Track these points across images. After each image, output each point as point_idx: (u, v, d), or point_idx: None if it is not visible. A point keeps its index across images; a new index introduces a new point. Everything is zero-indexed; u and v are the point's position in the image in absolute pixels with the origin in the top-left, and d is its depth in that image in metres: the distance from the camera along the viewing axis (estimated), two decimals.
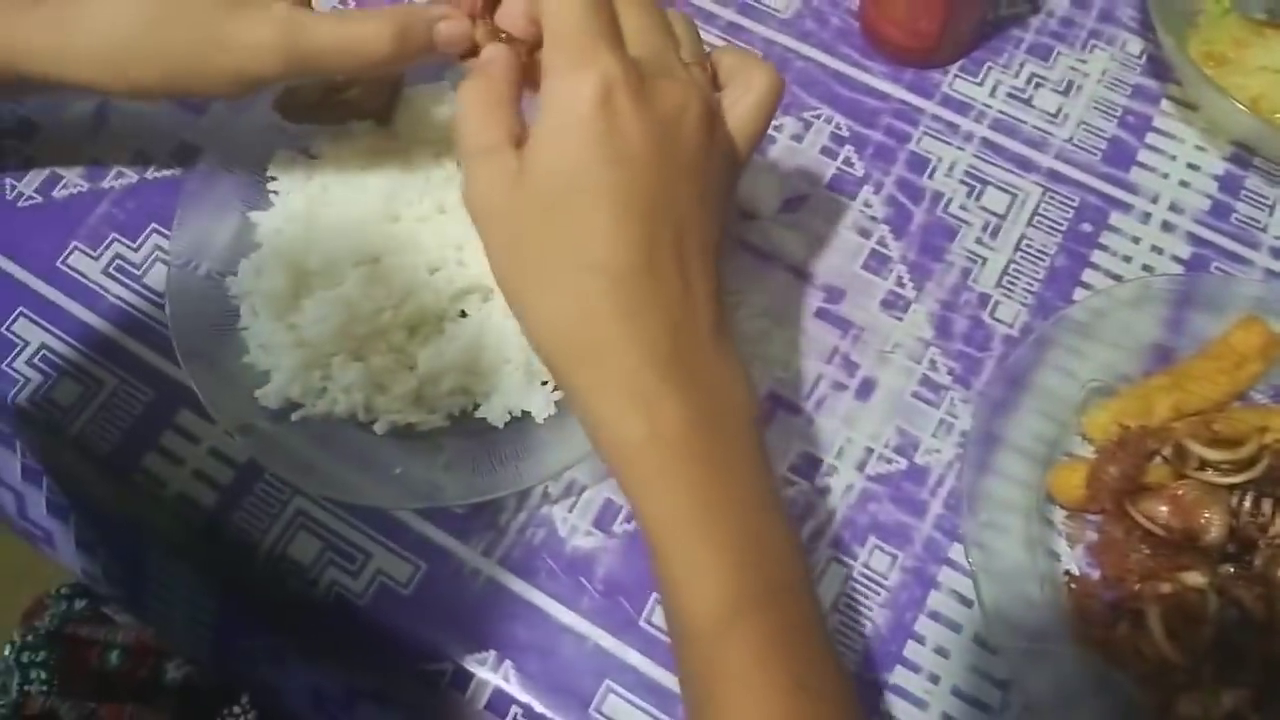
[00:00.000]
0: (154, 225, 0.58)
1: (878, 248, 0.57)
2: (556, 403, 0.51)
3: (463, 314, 0.53)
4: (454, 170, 0.54)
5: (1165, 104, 0.61)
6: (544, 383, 0.52)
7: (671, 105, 0.37)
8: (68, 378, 0.54)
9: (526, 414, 0.51)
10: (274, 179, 0.56)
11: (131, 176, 0.59)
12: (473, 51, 0.44)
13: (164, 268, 0.56)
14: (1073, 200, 0.59)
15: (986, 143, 0.60)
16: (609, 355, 0.37)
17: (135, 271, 0.57)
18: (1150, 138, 0.60)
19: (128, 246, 0.57)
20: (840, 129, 0.60)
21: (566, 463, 0.49)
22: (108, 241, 0.57)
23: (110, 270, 0.57)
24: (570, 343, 0.38)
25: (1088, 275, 0.57)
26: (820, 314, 0.56)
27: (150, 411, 0.53)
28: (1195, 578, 0.46)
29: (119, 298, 0.56)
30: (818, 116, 0.61)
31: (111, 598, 0.72)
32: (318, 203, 0.54)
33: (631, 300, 0.37)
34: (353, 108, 0.55)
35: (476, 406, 0.52)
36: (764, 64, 0.42)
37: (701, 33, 0.63)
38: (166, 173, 0.59)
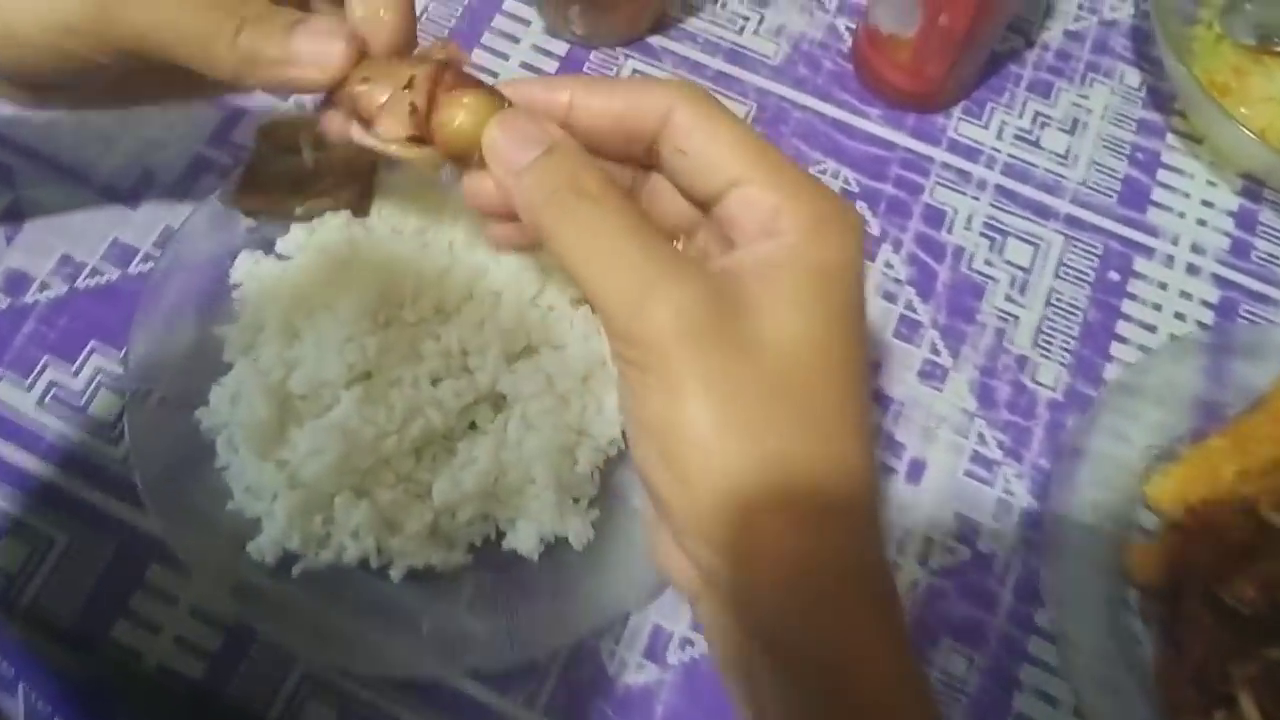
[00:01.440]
0: (93, 343, 0.50)
1: (906, 312, 0.54)
2: (595, 524, 0.46)
3: (472, 425, 0.47)
4: (448, 263, 0.48)
5: (1170, 138, 0.59)
6: (576, 500, 0.46)
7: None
8: (10, 538, 0.46)
9: (561, 540, 0.46)
10: (237, 286, 0.48)
11: (59, 287, 0.51)
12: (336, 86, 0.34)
13: (111, 395, 0.49)
14: (1095, 247, 0.56)
15: (1001, 190, 0.57)
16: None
17: (77, 402, 0.49)
18: (1162, 174, 0.58)
19: (64, 371, 0.49)
20: (850, 184, 0.56)
21: (621, 604, 0.44)
22: (39, 367, 0.49)
23: (47, 402, 0.48)
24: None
25: (1121, 328, 0.54)
26: None
27: (114, 570, 0.46)
28: None
29: (61, 435, 0.48)
30: (823, 171, 0.57)
31: None
32: (293, 313, 0.47)
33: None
34: (324, 199, 0.48)
35: (502, 535, 0.46)
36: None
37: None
38: (101, 279, 0.51)
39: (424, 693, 0.44)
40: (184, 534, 0.44)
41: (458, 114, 0.31)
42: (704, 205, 0.31)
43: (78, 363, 0.49)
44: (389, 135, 0.32)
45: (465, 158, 0.32)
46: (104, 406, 0.48)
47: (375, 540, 0.44)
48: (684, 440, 0.27)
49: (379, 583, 0.44)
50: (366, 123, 0.33)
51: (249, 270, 0.48)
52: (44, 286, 0.51)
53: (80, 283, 0.51)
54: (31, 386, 0.49)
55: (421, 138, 0.32)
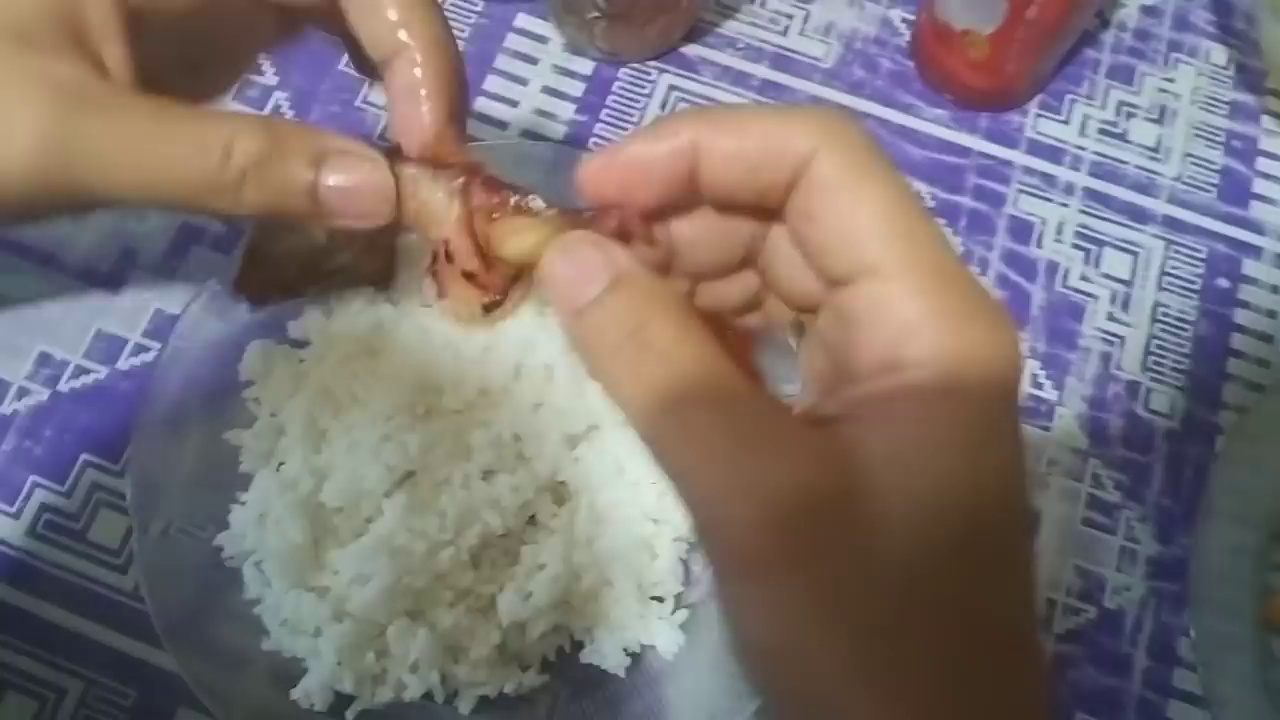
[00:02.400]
0: (85, 457, 0.43)
1: None
2: (684, 626, 0.40)
3: (532, 521, 0.41)
4: (489, 338, 0.42)
5: (1266, 120, 0.53)
6: (659, 599, 0.40)
7: None
8: (13, 691, 0.40)
9: (648, 648, 0.40)
10: (249, 383, 0.42)
11: (40, 392, 0.44)
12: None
13: (113, 514, 0.42)
14: (1199, 251, 0.50)
15: (1091, 193, 0.51)
16: None
17: (74, 525, 0.42)
18: (1261, 163, 0.52)
19: (56, 492, 0.43)
20: (924, 198, 0.50)
21: (724, 716, 0.38)
22: (27, 489, 0.43)
23: (40, 529, 0.42)
24: None
25: (1236, 341, 0.49)
26: None
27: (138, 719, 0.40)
28: None
29: (60, 566, 0.42)
30: None
31: None
32: (318, 411, 0.41)
33: None
34: (345, 275, 0.42)
35: (579, 646, 0.40)
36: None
37: (734, 97, 0.52)
38: (87, 379, 0.45)
39: None
40: (214, 680, 0.38)
41: (512, 247, 0.25)
42: (832, 282, 0.25)
43: (69, 481, 0.43)
44: (466, 317, 0.26)
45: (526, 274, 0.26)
46: (106, 530, 0.42)
47: (439, 671, 0.38)
48: (796, 677, 0.20)
49: (448, 716, 0.39)
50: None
51: (261, 363, 0.42)
52: (22, 393, 0.44)
53: (63, 385, 0.44)
54: (20, 513, 0.42)
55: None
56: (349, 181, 0.26)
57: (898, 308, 0.21)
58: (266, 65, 0.50)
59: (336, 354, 0.41)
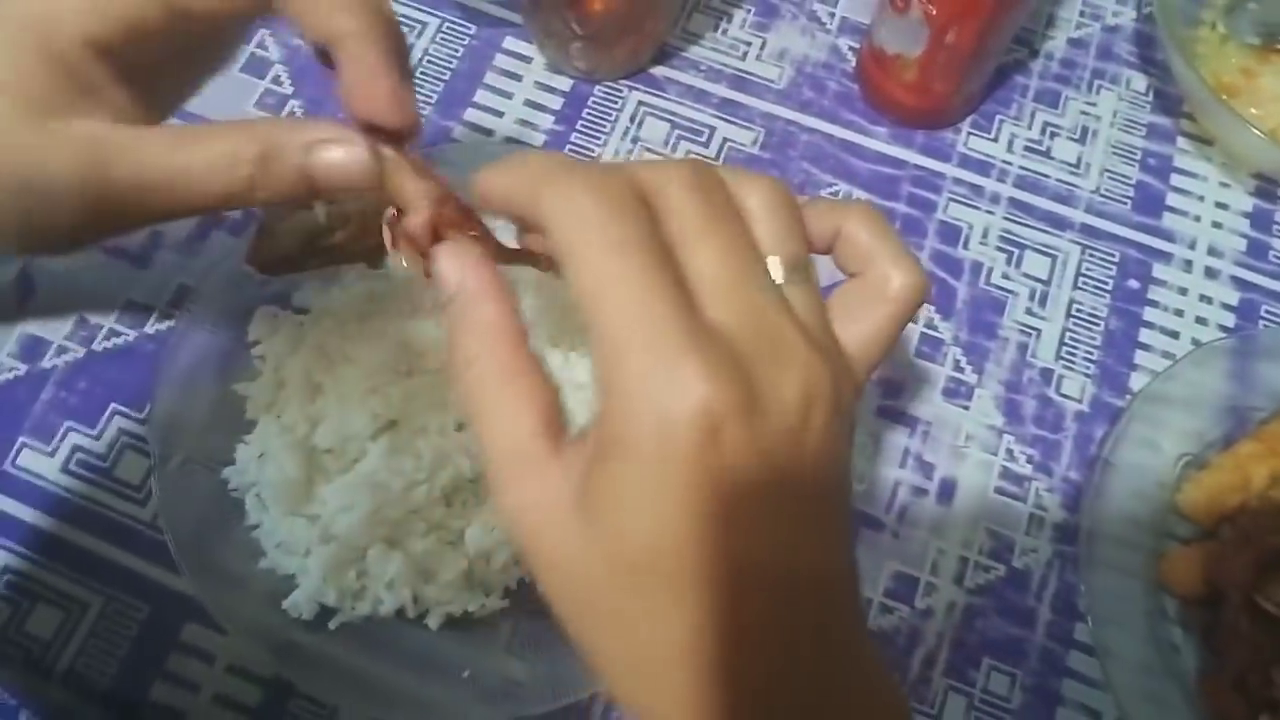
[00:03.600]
0: (114, 405, 0.49)
1: (928, 331, 0.53)
2: None
3: None
4: None
5: (1181, 141, 0.59)
6: None
7: (792, 413, 0.24)
8: (43, 604, 0.46)
9: None
10: (256, 344, 0.48)
11: (76, 350, 0.51)
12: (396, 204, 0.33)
13: (135, 455, 0.48)
14: (1113, 256, 0.56)
15: (1015, 203, 0.57)
16: None
17: (101, 464, 0.48)
18: (1175, 179, 0.58)
19: (87, 435, 0.49)
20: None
21: None
22: (62, 432, 0.49)
23: (71, 467, 0.48)
24: None
25: (1144, 335, 0.54)
26: (883, 412, 0.51)
27: (149, 631, 0.46)
28: None
29: (87, 499, 0.48)
30: (836, 193, 0.56)
31: None
32: (315, 368, 0.47)
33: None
34: (341, 252, 0.48)
35: None
36: (908, 259, 0.29)
37: (695, 112, 0.59)
38: (118, 340, 0.51)
39: None
40: (218, 594, 0.43)
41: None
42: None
43: (99, 426, 0.49)
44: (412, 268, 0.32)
45: None
46: (129, 468, 0.48)
47: (411, 590, 0.44)
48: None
49: (417, 632, 0.44)
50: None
51: (267, 326, 0.48)
52: (61, 351, 0.50)
53: (97, 344, 0.51)
54: (54, 452, 0.48)
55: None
56: (335, 160, 0.32)
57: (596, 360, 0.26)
58: (284, 75, 0.57)
59: (332, 319, 0.48)
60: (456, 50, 0.59)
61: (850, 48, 0.60)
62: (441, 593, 0.44)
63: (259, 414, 0.47)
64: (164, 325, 0.51)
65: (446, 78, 0.58)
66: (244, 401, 0.47)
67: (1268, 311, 0.55)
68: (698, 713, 0.25)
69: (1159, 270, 0.56)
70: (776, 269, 0.27)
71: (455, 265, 0.29)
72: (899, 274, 0.29)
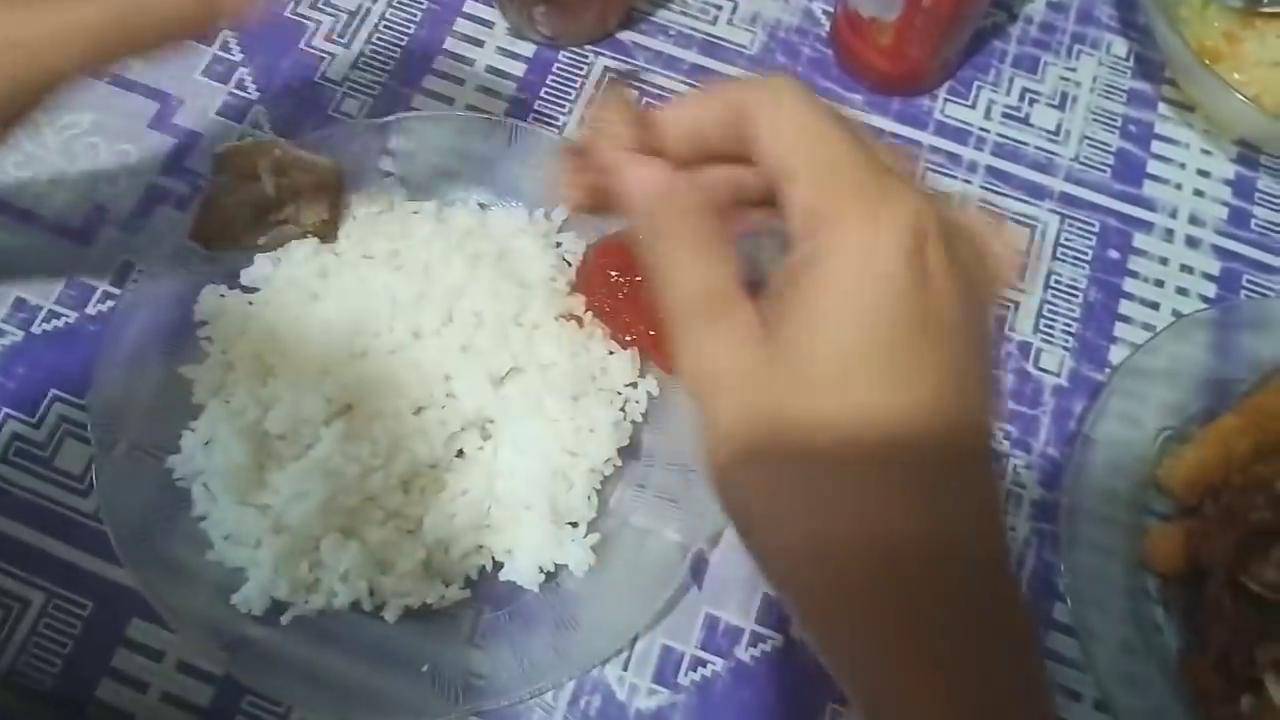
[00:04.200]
0: (54, 391, 0.47)
1: None
2: (595, 548, 0.44)
3: (460, 454, 0.45)
4: (424, 286, 0.46)
5: (1163, 107, 0.58)
6: (573, 524, 0.44)
7: (974, 257, 0.26)
8: None
9: (562, 568, 0.44)
10: (203, 324, 0.46)
11: (14, 333, 0.48)
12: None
13: (78, 445, 0.46)
14: (1092, 225, 0.54)
15: (993, 171, 0.55)
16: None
17: (41, 454, 0.46)
18: (1156, 146, 0.57)
19: (26, 423, 0.46)
20: None
21: (627, 628, 0.42)
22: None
23: (11, 457, 0.46)
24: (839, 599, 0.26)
25: (1124, 307, 0.53)
26: None
27: (94, 628, 0.44)
28: None
29: (26, 490, 0.45)
30: None
31: None
32: (264, 349, 0.45)
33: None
34: (288, 227, 0.46)
35: (499, 565, 0.44)
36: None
37: (665, 79, 0.57)
38: (58, 323, 0.48)
39: None
40: (164, 589, 0.42)
41: None
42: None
43: (39, 413, 0.47)
44: None
45: None
46: (70, 457, 0.46)
47: (367, 582, 0.42)
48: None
49: (374, 625, 0.43)
50: None
51: (214, 306, 0.46)
52: None
53: (36, 327, 0.48)
54: None
55: None
56: None
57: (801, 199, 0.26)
58: (233, 43, 0.55)
59: (282, 298, 0.45)
60: (414, 15, 0.56)
61: (824, 11, 0.58)
62: (399, 583, 0.42)
63: (207, 398, 0.45)
64: (107, 305, 0.49)
65: (404, 43, 0.55)
66: (191, 385, 0.45)
67: (1249, 281, 0.54)
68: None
69: (1139, 240, 0.54)
70: None
71: (648, 172, 0.28)
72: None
